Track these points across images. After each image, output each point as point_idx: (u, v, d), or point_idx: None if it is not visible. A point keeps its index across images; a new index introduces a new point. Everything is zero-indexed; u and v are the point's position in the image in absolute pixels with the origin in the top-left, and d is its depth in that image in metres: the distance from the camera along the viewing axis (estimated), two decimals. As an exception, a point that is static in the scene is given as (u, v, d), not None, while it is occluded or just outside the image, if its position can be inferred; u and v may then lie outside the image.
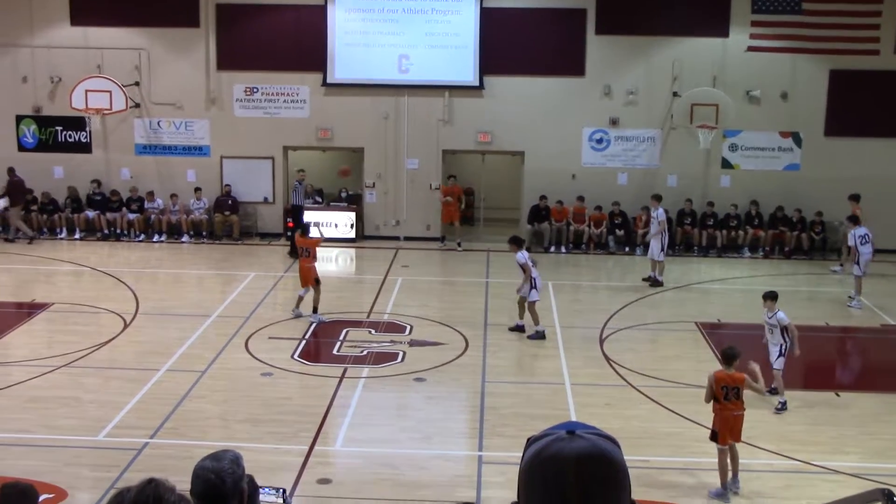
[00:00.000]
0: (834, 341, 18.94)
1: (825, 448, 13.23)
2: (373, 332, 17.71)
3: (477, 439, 13.31)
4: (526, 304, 17.45)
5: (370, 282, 21.45)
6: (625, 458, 2.29)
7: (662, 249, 20.92)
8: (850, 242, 20.19)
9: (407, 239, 24.88)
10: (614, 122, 24.58)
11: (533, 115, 24.48)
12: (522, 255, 17.45)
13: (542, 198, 24.58)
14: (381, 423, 13.88)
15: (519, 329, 17.65)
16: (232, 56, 24.58)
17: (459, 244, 24.22)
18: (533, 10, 24.28)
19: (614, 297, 20.47)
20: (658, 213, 20.91)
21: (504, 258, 23.30)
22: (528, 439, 2.33)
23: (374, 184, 25.06)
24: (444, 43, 24.41)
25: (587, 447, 2.22)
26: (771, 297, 14.67)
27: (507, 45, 24.24)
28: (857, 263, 19.82)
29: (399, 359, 16.39)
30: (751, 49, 24.10)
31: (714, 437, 11.75)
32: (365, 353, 16.71)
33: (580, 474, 2.20)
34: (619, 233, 24.50)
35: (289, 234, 23.47)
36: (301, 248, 18.66)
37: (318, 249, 18.66)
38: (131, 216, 24.89)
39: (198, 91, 24.74)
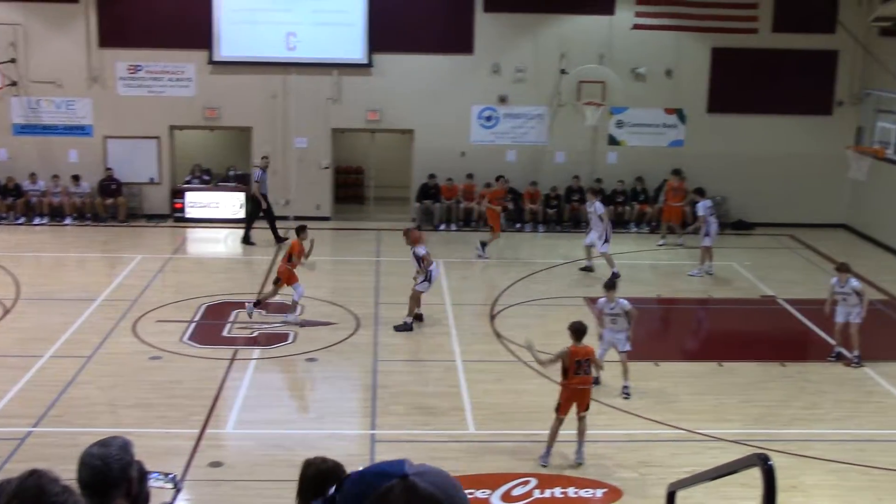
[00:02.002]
0: (716, 313, 19.48)
1: (708, 416, 13.64)
2: (263, 313, 17.54)
3: (370, 418, 13.35)
4: (414, 295, 16.98)
5: (260, 263, 21.23)
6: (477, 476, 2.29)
7: (607, 241, 20.27)
8: (700, 213, 20.70)
9: (297, 218, 24.61)
10: (503, 100, 24.75)
11: (422, 93, 24.49)
12: (423, 248, 17.02)
13: (431, 176, 24.64)
14: (273, 405, 13.82)
15: (404, 328, 16.95)
16: (114, 33, 23.94)
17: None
18: (421, -12, 24.31)
19: (504, 273, 20.67)
20: (596, 206, 20.43)
21: (395, 237, 23.33)
22: (344, 478, 2.25)
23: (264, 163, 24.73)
24: (333, 20, 24.19)
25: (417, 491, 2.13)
26: (843, 268, 15.65)
27: (395, 23, 24.15)
28: (708, 234, 20.39)
29: (290, 339, 16.30)
30: (636, 27, 24.50)
31: (558, 408, 12.06)
32: (255, 334, 16.58)
33: None
34: (510, 207, 24.68)
35: (244, 220, 23.15)
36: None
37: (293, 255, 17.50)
38: (10, 199, 24.09)
39: (78, 69, 24.04)
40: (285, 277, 17.16)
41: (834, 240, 24.22)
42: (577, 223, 24.68)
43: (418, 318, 17.24)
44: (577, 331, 12.19)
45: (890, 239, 23.41)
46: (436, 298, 18.43)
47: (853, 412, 14.10)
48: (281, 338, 16.35)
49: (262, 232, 22.63)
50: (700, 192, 21.46)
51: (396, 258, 20.40)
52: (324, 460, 4.90)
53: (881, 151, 19.77)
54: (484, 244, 21.58)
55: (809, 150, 25.07)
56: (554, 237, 24.00)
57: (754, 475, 4.25)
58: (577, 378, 11.97)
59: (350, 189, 27.28)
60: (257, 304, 17.31)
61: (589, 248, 20.64)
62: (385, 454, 12.01)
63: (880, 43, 22.59)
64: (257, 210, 22.62)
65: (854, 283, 15.62)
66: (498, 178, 22.51)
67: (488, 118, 24.87)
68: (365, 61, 24.32)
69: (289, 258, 17.27)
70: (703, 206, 20.73)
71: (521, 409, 13.67)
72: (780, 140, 25.13)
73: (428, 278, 16.95)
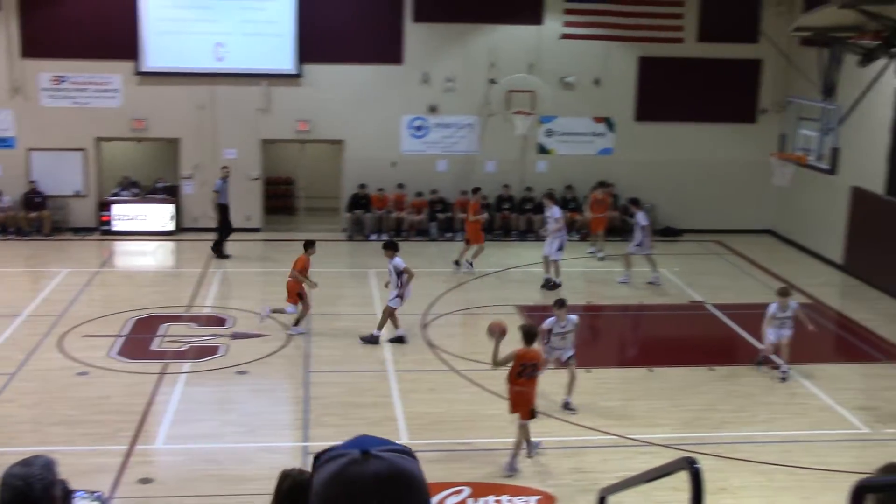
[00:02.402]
0: (646, 319, 19.71)
1: (640, 422, 13.79)
2: (193, 326, 17.35)
3: (302, 430, 13.27)
4: (387, 310, 16.72)
5: (189, 275, 20.98)
6: (422, 472, 2.22)
7: (561, 249, 20.30)
8: (643, 223, 20.74)
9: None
10: (433, 110, 24.80)
11: (352, 103, 24.44)
12: (401, 262, 16.65)
13: (362, 186, 24.58)
14: (203, 419, 13.66)
15: (370, 340, 16.75)
16: (37, 43, 23.50)
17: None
18: (350, -2, 24.27)
19: (436, 282, 20.68)
20: (553, 212, 20.33)
21: (325, 247, 23.25)
22: (316, 457, 2.23)
23: (191, 175, 24.51)
24: (261, 31, 24.03)
25: (386, 469, 2.13)
26: (785, 292, 15.80)
27: (325, 33, 24.07)
28: (641, 244, 20.54)
29: (221, 352, 16.13)
30: (565, 37, 24.72)
31: (532, 414, 12.16)
32: (185, 347, 16.39)
33: (382, 499, 2.11)
34: (441, 216, 24.75)
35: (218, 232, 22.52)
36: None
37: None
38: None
39: (0, 79, 23.59)
40: (297, 289, 17.04)
41: (759, 245, 24.65)
42: (508, 231, 24.79)
43: (400, 339, 16.81)
44: (528, 334, 12.27)
45: (813, 243, 23.90)
46: (367, 308, 18.41)
47: (779, 414, 14.37)
48: (211, 351, 16.18)
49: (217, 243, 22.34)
50: (635, 203, 21.51)
51: (327, 269, 20.29)
52: (301, 472, 4.82)
53: (803, 158, 20.11)
54: (470, 262, 21.32)
55: (735, 158, 25.50)
56: (485, 245, 24.07)
57: (685, 479, 4.30)
58: (520, 381, 12.06)
59: (280, 200, 27.11)
60: (296, 323, 17.19)
61: (548, 261, 20.44)
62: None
63: (802, 52, 23.04)
64: (220, 222, 22.36)
65: (794, 304, 15.91)
66: (475, 191, 22.22)
67: (418, 128, 24.90)
68: (294, 72, 24.21)
69: (299, 272, 17.09)
70: (642, 216, 20.79)
71: (455, 418, 13.69)
72: (707, 147, 25.54)
73: (401, 294, 16.62)
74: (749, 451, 12.87)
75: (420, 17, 24.32)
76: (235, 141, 24.40)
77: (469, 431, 13.15)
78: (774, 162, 22.05)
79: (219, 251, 22.24)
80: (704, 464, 4.42)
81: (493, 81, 24.40)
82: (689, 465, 4.22)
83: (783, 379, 15.52)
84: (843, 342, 17.96)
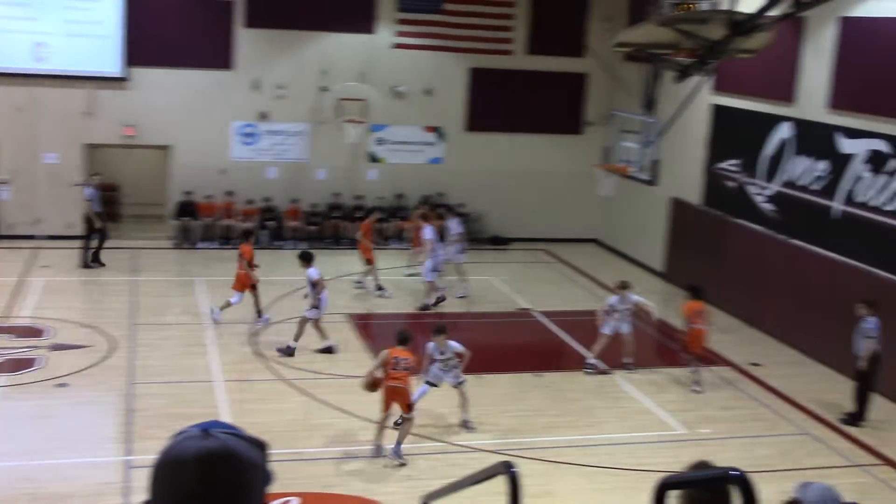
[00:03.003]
0: (474, 326, 19.93)
1: (468, 428, 13.96)
2: (8, 337, 16.63)
3: (125, 444, 12.88)
4: (309, 324, 16.55)
5: (5, 284, 20.07)
6: (270, 455, 2.28)
7: (436, 270, 19.73)
8: (457, 230, 20.93)
9: (48, 238, 23.49)
10: (264, 116, 24.52)
11: (181, 108, 23.90)
12: (316, 272, 16.59)
13: (187, 193, 24.00)
14: (19, 435, 13.11)
15: (286, 352, 16.55)
16: None
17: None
18: (180, 1, 23.70)
19: (266, 291, 20.41)
20: (425, 232, 19.86)
21: (152, 255, 22.70)
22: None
23: (7, 180, 23.46)
24: (86, 31, 23.20)
25: (214, 447, 2.17)
26: (625, 286, 16.59)
27: (153, 36, 23.45)
28: (459, 251, 20.79)
29: (39, 364, 15.51)
30: (397, 46, 24.85)
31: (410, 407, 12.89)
32: (0, 360, 15.69)
33: (202, 475, 2.14)
34: (270, 224, 24.48)
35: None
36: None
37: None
38: None
39: None
40: (250, 281, 17.92)
41: (585, 254, 25.34)
42: (338, 240, 24.72)
43: (329, 350, 16.67)
44: (401, 337, 13.03)
45: (635, 252, 24.75)
46: (194, 318, 18.07)
47: (602, 418, 14.81)
48: (27, 363, 15.53)
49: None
50: (450, 210, 21.83)
51: (154, 277, 19.80)
52: None
53: (625, 169, 20.85)
54: (380, 287, 20.64)
55: (562, 168, 26.16)
56: (315, 254, 23.90)
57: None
58: (395, 374, 12.62)
59: (105, 206, 26.19)
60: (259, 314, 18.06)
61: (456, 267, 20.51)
62: (142, 481, 11.59)
63: (624, 67, 23.87)
64: (91, 230, 21.56)
65: (633, 297, 16.63)
66: (370, 211, 22.42)
67: (248, 134, 24.58)
68: (121, 75, 23.49)
69: (248, 264, 17.99)
70: (455, 223, 21.07)
71: (284, 429, 13.55)
72: (535, 158, 26.10)
73: (318, 304, 16.48)
74: (574, 454, 13.21)
75: (252, 22, 24.02)
76: (57, 145, 23.48)
77: (298, 441, 13.05)
78: (598, 173, 22.80)
79: (96, 259, 21.59)
80: (530, 468, 4.54)
81: (324, 89, 24.32)
82: (507, 469, 4.31)
83: (631, 370, 16.45)
84: (663, 348, 18.63)
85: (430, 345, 13.83)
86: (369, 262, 20.74)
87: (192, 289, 20.44)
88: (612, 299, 16.60)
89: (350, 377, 14.70)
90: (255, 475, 2.23)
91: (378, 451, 12.81)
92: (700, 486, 3.76)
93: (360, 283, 20.88)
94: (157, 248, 23.35)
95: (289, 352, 16.51)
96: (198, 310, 18.68)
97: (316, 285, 16.51)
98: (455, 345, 13.91)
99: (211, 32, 23.96)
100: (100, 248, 21.80)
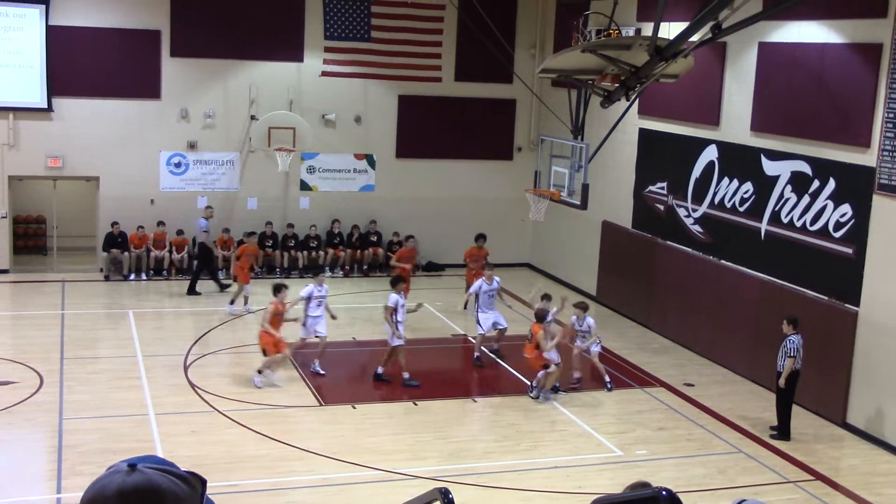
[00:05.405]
0: (411, 353, 19.87)
1: (406, 455, 13.91)
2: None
3: (55, 482, 12.60)
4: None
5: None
6: (207, 487, 2.26)
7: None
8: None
9: (-29, 272, 23.01)
10: (192, 146, 24.31)
11: (108, 138, 23.59)
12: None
13: (114, 224, 23.57)
14: (-56, 475, 12.76)
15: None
16: None
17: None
18: (104, 30, 23.39)
19: (198, 322, 20.22)
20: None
21: (80, 288, 22.31)
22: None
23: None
24: (7, 62, 22.81)
25: (137, 482, 2.15)
26: (581, 306, 17.28)
27: (77, 66, 23.16)
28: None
29: (-35, 402, 15.14)
30: (325, 74, 24.84)
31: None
32: (-76, 398, 15.28)
33: None
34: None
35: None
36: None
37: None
38: None
39: None
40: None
41: (517, 278, 25.40)
42: (272, 269, 24.55)
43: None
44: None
45: (568, 275, 24.94)
46: (126, 350, 17.79)
47: (540, 442, 14.85)
48: (-47, 401, 15.15)
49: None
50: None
51: (83, 311, 19.46)
52: None
53: (556, 194, 20.95)
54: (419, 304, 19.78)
55: (494, 194, 26.31)
56: (253, 283, 23.73)
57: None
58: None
59: (31, 239, 25.77)
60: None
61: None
62: (73, 518, 11.38)
63: (552, 93, 24.11)
64: (207, 260, 22.69)
65: (589, 320, 17.18)
66: (408, 238, 23.27)
67: (178, 164, 24.34)
68: (44, 105, 23.13)
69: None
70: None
71: (218, 461, 13.38)
72: (467, 184, 26.22)
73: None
74: (512, 479, 13.22)
75: (177, 52, 23.82)
76: (-21, 177, 23.03)
77: (233, 473, 12.89)
78: (529, 197, 22.91)
79: None
80: (468, 493, 4.53)
81: (253, 118, 24.21)
82: (443, 496, 4.29)
83: (610, 389, 17.18)
84: (598, 370, 18.75)
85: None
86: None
87: (124, 321, 20.13)
88: (572, 318, 17.23)
89: (284, 407, 14.57)
90: None
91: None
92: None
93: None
94: (86, 280, 22.98)
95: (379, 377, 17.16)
96: (131, 342, 18.37)
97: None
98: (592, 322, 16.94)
99: (137, 62, 23.71)
100: (215, 276, 23.20)
